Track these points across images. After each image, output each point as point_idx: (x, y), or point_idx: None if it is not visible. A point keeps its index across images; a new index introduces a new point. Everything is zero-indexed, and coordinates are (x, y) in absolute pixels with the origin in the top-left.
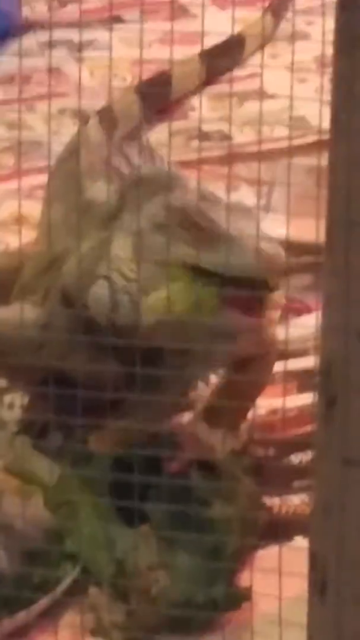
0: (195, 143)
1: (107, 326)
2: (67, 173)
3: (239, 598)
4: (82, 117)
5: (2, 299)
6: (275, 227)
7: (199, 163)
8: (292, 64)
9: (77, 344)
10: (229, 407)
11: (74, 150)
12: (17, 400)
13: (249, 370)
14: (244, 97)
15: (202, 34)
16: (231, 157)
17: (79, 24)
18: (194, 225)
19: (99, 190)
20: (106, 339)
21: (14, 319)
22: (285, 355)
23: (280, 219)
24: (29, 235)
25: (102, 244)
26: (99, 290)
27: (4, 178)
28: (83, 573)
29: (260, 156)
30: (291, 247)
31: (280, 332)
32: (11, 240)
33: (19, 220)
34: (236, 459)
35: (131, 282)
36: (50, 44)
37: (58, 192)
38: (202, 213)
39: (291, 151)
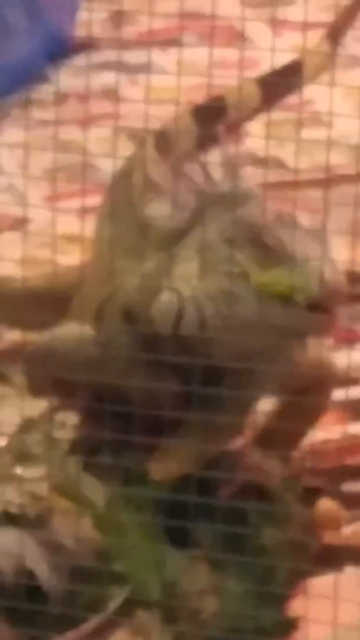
0: (250, 169)
1: (170, 338)
2: (122, 193)
3: (289, 626)
4: (136, 138)
5: (58, 318)
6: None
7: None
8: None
9: (137, 362)
10: (284, 432)
11: (128, 171)
12: (69, 419)
13: (307, 394)
14: (300, 123)
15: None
16: (286, 184)
17: (134, 46)
18: (261, 243)
19: (156, 210)
20: (168, 355)
21: (72, 337)
22: (343, 382)
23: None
24: (82, 255)
25: (167, 261)
26: (165, 300)
27: (58, 198)
28: (132, 594)
29: (316, 183)
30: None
31: (338, 360)
32: (65, 261)
33: (77, 239)
34: (289, 484)
35: (197, 292)
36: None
37: (112, 212)
38: (271, 232)
39: (346, 178)
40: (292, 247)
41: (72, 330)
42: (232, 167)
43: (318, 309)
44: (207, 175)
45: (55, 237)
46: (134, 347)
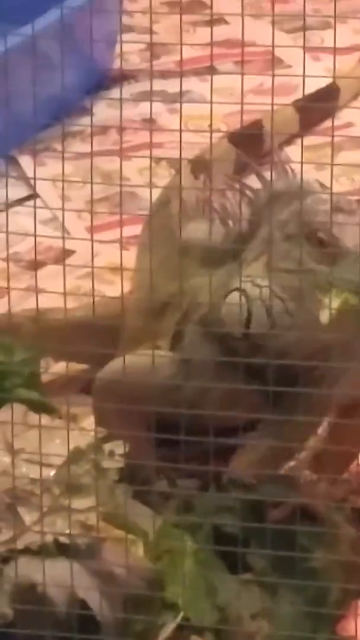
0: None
1: (247, 343)
2: (161, 221)
3: None
4: (176, 167)
5: (105, 346)
6: None
7: None
8: None
9: (218, 371)
10: (335, 454)
11: (166, 200)
12: (118, 448)
13: (356, 415)
14: (339, 146)
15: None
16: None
17: (171, 75)
18: (318, 240)
19: (194, 230)
20: (245, 359)
21: (144, 363)
22: None
23: None
24: (125, 285)
25: (236, 268)
26: (232, 301)
27: (100, 228)
28: (185, 621)
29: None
30: None
31: None
32: (107, 291)
33: (121, 269)
34: (339, 506)
35: (263, 289)
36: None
37: (154, 240)
38: (326, 229)
39: None
40: (347, 240)
41: (141, 358)
42: (281, 165)
43: None
44: (262, 179)
45: (98, 268)
46: (215, 356)
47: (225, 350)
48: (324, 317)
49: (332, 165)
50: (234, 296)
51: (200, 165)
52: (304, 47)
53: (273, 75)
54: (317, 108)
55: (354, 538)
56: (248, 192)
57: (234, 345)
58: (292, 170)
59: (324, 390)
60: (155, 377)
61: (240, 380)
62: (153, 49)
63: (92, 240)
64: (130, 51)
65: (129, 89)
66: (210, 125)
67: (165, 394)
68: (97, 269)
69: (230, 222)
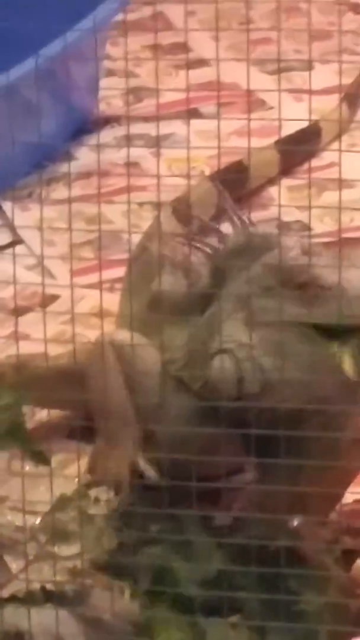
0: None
1: (233, 400)
2: (141, 266)
3: None
4: (158, 209)
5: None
6: None
7: None
8: None
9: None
10: (322, 495)
11: (146, 245)
12: (103, 494)
13: (347, 456)
14: (322, 186)
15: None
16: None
17: (156, 118)
18: (299, 283)
19: (165, 281)
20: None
21: None
22: None
23: None
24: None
25: (206, 324)
26: (220, 364)
27: (84, 272)
28: None
29: (341, 244)
30: None
31: None
32: (93, 335)
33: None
34: (328, 548)
35: (251, 349)
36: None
37: (134, 285)
38: (304, 270)
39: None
40: (330, 278)
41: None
42: (243, 220)
43: None
44: (220, 235)
45: (81, 313)
46: (196, 416)
47: (210, 408)
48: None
49: (309, 207)
50: (221, 358)
51: (182, 208)
52: (278, 90)
53: (249, 120)
54: (299, 148)
55: (344, 580)
56: (208, 247)
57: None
58: (251, 222)
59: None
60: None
61: (223, 437)
62: (136, 93)
63: (71, 286)
64: (113, 95)
65: (112, 133)
66: (189, 168)
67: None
68: (83, 313)
69: (194, 275)
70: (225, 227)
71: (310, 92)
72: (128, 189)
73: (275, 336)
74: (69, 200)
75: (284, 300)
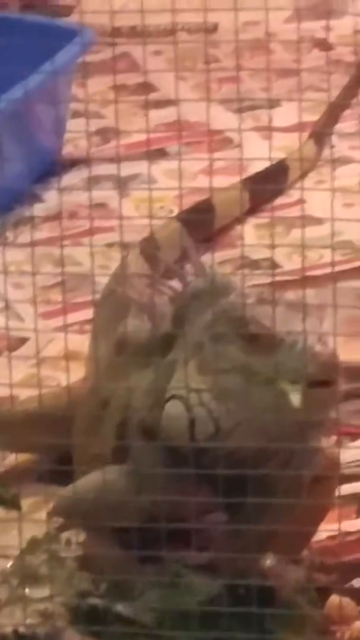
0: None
1: (186, 447)
2: (109, 308)
3: None
4: (126, 250)
5: (58, 436)
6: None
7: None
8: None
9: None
10: (294, 534)
11: (113, 288)
12: (74, 537)
13: (313, 494)
14: (291, 224)
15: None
16: (280, 284)
17: (122, 159)
18: (249, 333)
19: (130, 326)
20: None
21: (98, 483)
22: (342, 479)
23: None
24: (79, 372)
25: (166, 370)
26: (172, 410)
27: (54, 314)
28: None
29: (308, 282)
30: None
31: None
32: (63, 378)
33: (68, 356)
34: (302, 587)
35: (201, 394)
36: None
37: (102, 327)
38: (255, 320)
39: (338, 276)
40: (279, 330)
41: (94, 476)
42: (201, 265)
43: (319, 385)
44: (182, 279)
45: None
46: (162, 463)
47: (174, 455)
48: (295, 401)
49: (273, 245)
50: (173, 404)
51: (150, 248)
52: (239, 130)
53: (211, 159)
54: (266, 185)
55: (318, 618)
56: (169, 290)
57: (182, 451)
58: (211, 268)
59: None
60: (111, 493)
61: (190, 481)
62: (103, 134)
63: (37, 330)
64: (80, 137)
65: (80, 174)
66: (150, 208)
67: (123, 503)
68: (53, 355)
69: (159, 319)
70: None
71: (270, 129)
72: (91, 231)
73: (226, 382)
74: (32, 244)
75: (235, 348)
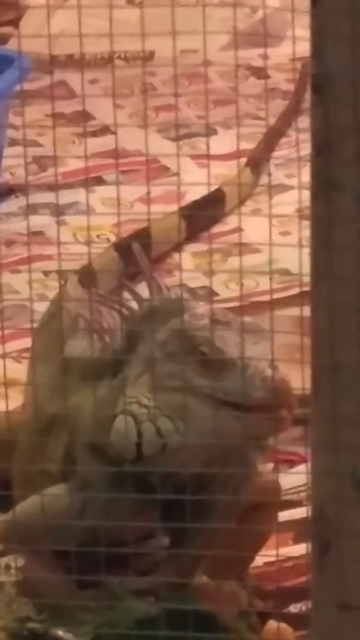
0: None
1: (134, 461)
2: (49, 334)
3: None
4: (64, 279)
5: None
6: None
7: None
8: (271, 217)
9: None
10: (233, 559)
11: (54, 312)
12: (14, 562)
13: (254, 520)
14: (228, 252)
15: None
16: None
17: (59, 187)
18: (201, 353)
19: (74, 347)
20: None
21: (46, 504)
22: (281, 505)
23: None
24: (17, 399)
25: (117, 388)
26: (121, 425)
27: None
28: None
29: (246, 310)
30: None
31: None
32: (1, 405)
33: (6, 384)
34: (242, 613)
35: (151, 410)
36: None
37: (42, 354)
38: (208, 341)
39: (275, 303)
40: (230, 351)
41: (35, 500)
42: (155, 284)
43: (266, 409)
44: (137, 297)
45: None
46: (109, 483)
47: (121, 474)
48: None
49: (210, 273)
50: (121, 419)
51: (87, 276)
52: (177, 155)
53: (148, 185)
54: (203, 214)
55: None
56: (123, 308)
57: (127, 465)
58: (166, 287)
59: (216, 496)
60: (52, 515)
61: (135, 502)
62: (40, 162)
63: None
64: (17, 164)
65: (17, 203)
66: (88, 236)
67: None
68: None
69: (107, 338)
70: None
71: (209, 157)
72: (29, 259)
73: (176, 400)
74: None
75: (186, 367)
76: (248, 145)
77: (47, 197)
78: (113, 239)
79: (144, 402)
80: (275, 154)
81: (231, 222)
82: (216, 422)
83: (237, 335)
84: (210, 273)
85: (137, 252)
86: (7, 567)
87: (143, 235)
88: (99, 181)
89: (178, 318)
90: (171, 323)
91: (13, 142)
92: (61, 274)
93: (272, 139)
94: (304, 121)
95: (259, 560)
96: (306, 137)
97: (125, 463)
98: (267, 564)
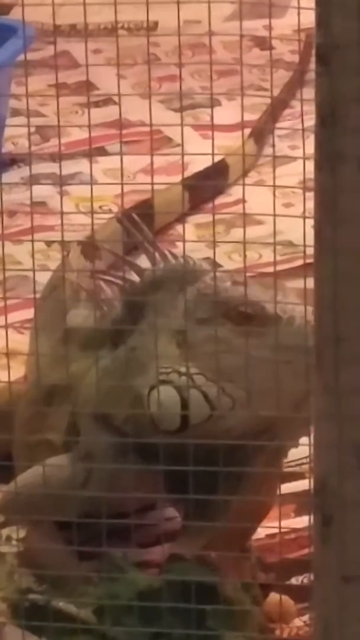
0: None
1: (177, 430)
2: (52, 305)
3: None
4: (66, 249)
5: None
6: None
7: None
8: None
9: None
10: (235, 531)
11: (56, 283)
12: (15, 533)
13: (255, 491)
14: (231, 223)
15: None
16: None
17: (62, 158)
18: (240, 313)
19: (75, 316)
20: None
21: (49, 475)
22: (283, 478)
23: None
24: (19, 370)
25: (120, 359)
26: (164, 395)
27: None
28: None
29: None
30: None
31: None
32: (3, 376)
33: (8, 355)
34: (246, 586)
35: (194, 377)
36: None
37: (44, 324)
38: (245, 300)
39: (278, 275)
40: (271, 308)
41: (37, 471)
42: (160, 252)
43: None
44: (137, 269)
45: None
46: (121, 449)
47: (129, 444)
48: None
49: (214, 243)
50: (164, 389)
51: (90, 247)
52: (181, 125)
53: (152, 156)
54: (206, 186)
55: (260, 616)
56: (124, 280)
57: (148, 433)
58: (172, 254)
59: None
60: (54, 485)
61: (142, 465)
62: (42, 132)
63: None
64: (19, 135)
65: (19, 173)
66: (92, 207)
67: (72, 490)
68: None
69: (105, 307)
70: (141, 262)
71: (212, 128)
72: (31, 230)
73: (228, 363)
74: None
75: (223, 330)
76: (252, 116)
77: (49, 167)
78: (116, 209)
79: (183, 370)
80: (279, 125)
81: (234, 193)
82: (273, 379)
83: (263, 291)
84: (214, 244)
85: (139, 226)
86: (9, 538)
87: (146, 207)
88: (102, 152)
89: (193, 285)
90: (190, 290)
91: (16, 112)
92: (63, 244)
93: (275, 110)
94: (308, 92)
95: (261, 532)
96: (310, 108)
97: (155, 434)
98: (269, 536)
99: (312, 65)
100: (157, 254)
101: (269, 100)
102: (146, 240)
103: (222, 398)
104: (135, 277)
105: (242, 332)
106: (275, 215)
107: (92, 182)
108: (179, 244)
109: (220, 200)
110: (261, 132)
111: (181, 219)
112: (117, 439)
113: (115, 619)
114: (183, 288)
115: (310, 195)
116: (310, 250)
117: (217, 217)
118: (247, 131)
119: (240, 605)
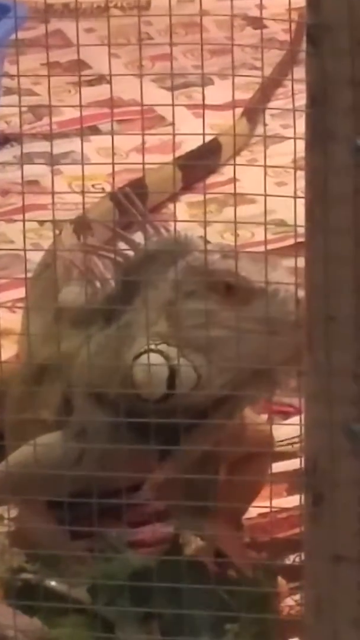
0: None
1: (160, 401)
2: (44, 284)
3: None
4: (59, 228)
5: None
6: None
7: None
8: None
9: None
10: (227, 510)
11: (49, 261)
12: (6, 513)
13: (246, 470)
14: (223, 202)
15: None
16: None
17: (54, 136)
18: (225, 285)
19: (68, 293)
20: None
21: (41, 453)
22: (274, 456)
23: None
24: (11, 349)
25: (114, 336)
26: (152, 361)
27: None
28: None
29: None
30: None
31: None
32: None
33: (9, 333)
34: (265, 568)
35: (181, 345)
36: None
37: (37, 303)
38: (232, 273)
39: (270, 254)
40: (255, 279)
41: (28, 450)
42: (153, 227)
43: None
44: (131, 244)
45: None
46: (116, 426)
47: (125, 413)
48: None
49: (205, 222)
50: (151, 356)
51: (82, 225)
52: (172, 105)
53: (143, 134)
54: (199, 165)
55: (272, 596)
56: (118, 255)
57: (140, 407)
58: (167, 229)
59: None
60: (45, 464)
61: (136, 441)
62: (35, 111)
63: None
64: (12, 113)
65: (12, 152)
66: (83, 186)
67: (65, 468)
68: None
69: (98, 284)
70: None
71: (204, 107)
72: (23, 208)
73: (206, 335)
74: None
75: (209, 302)
76: (244, 95)
77: (42, 146)
78: (108, 188)
79: (172, 342)
80: (272, 104)
81: (227, 172)
82: (252, 348)
83: (253, 264)
84: (206, 223)
85: (133, 201)
86: (0, 518)
87: (138, 186)
88: (95, 130)
89: (184, 258)
90: (181, 263)
91: (8, 91)
92: (56, 223)
93: (268, 89)
94: (300, 71)
95: (253, 511)
96: (302, 87)
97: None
98: (260, 515)
99: (304, 45)
100: (151, 229)
101: (261, 79)
102: (140, 215)
103: (208, 367)
104: (129, 252)
105: (228, 304)
106: (266, 195)
107: (82, 161)
108: (172, 223)
109: (213, 179)
110: (254, 111)
111: (174, 198)
112: (112, 414)
113: (110, 598)
114: (175, 261)
115: (302, 174)
116: (302, 230)
117: (209, 196)
118: (240, 110)
119: (258, 586)
